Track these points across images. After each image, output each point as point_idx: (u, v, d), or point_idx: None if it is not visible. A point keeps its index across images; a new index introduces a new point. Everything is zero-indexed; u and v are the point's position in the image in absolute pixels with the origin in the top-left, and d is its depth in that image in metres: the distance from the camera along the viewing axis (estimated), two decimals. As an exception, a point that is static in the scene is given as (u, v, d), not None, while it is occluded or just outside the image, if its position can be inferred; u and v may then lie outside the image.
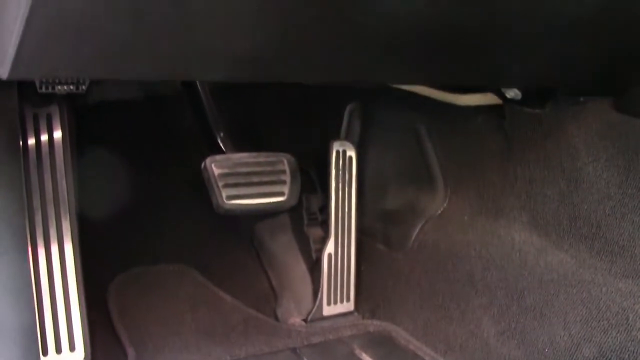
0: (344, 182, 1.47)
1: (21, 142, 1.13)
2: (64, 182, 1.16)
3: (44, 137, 1.17)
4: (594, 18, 0.90)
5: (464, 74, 0.99)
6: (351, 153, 1.47)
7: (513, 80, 1.13)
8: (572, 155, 1.19)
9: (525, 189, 1.27)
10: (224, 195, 1.35)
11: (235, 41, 0.75)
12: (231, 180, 1.37)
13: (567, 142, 1.20)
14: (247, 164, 1.39)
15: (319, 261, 1.48)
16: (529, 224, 1.25)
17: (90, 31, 0.67)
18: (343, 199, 1.48)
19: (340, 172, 1.47)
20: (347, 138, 1.52)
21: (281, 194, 1.41)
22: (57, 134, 1.17)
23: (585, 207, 1.16)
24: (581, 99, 1.18)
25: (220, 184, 1.35)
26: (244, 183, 1.38)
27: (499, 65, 0.99)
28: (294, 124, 1.69)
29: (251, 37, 0.74)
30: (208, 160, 1.36)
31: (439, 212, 1.43)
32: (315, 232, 1.54)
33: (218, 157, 1.38)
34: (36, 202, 1.15)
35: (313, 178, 1.59)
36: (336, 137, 1.52)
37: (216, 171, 1.35)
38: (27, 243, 1.09)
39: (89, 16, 0.65)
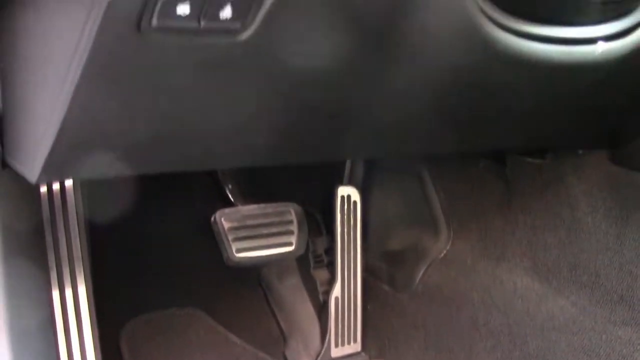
0: (349, 227, 1.50)
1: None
2: (77, 241, 1.18)
3: (56, 187, 1.19)
4: (585, 89, 0.94)
5: (462, 145, 1.03)
6: (355, 198, 1.50)
7: (509, 146, 1.17)
8: (571, 205, 1.22)
9: (527, 235, 1.29)
10: (233, 248, 1.37)
11: (252, 134, 0.78)
12: (241, 234, 1.40)
13: (566, 192, 1.22)
14: (255, 216, 1.42)
15: (326, 303, 1.51)
16: (530, 270, 1.28)
17: (118, 136, 0.70)
18: (349, 243, 1.50)
19: (345, 217, 1.49)
20: (351, 182, 1.55)
21: (289, 244, 1.44)
22: (69, 185, 1.19)
23: (585, 256, 1.19)
24: (580, 151, 1.22)
25: (230, 237, 1.38)
26: (253, 235, 1.41)
27: (495, 136, 1.03)
28: (299, 170, 1.71)
29: (263, 133, 0.78)
30: (218, 214, 1.39)
31: (442, 255, 1.45)
32: (321, 274, 1.57)
33: (227, 210, 1.41)
34: (51, 261, 1.17)
35: (318, 221, 1.62)
36: (340, 180, 1.55)
37: (226, 225, 1.38)
38: (45, 300, 1.11)
39: (119, 123, 0.68)
